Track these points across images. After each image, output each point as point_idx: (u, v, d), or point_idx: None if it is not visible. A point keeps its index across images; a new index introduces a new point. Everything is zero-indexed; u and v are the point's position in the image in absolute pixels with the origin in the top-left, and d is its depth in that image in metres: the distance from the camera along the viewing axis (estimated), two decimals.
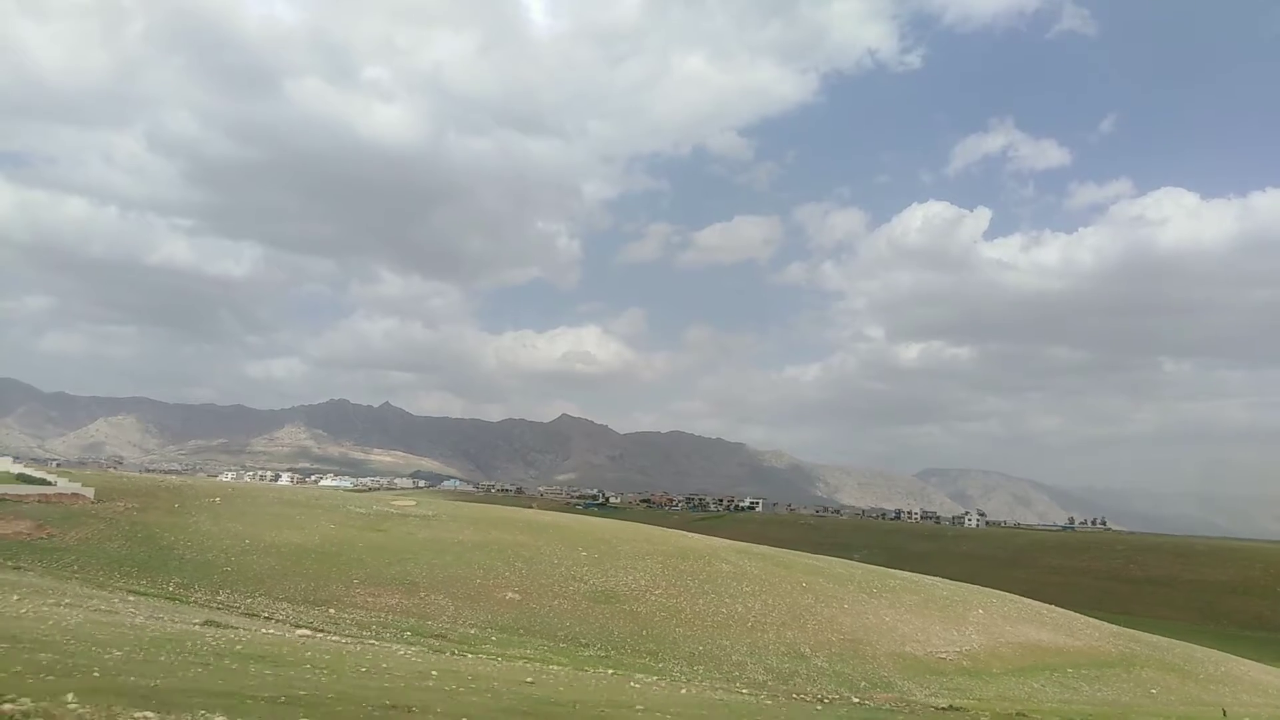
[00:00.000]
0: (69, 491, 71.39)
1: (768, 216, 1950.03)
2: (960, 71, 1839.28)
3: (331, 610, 54.27)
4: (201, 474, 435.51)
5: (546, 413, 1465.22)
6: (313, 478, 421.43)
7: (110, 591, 46.50)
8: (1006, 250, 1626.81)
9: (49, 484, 76.58)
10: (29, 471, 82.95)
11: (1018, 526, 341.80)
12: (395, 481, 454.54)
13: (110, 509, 70.33)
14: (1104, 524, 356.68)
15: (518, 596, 62.97)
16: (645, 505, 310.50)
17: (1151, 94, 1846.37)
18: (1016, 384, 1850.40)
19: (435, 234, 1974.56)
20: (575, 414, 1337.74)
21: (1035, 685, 65.73)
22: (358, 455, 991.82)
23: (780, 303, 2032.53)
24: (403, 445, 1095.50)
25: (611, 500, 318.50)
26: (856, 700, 42.58)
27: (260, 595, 54.62)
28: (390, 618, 54.80)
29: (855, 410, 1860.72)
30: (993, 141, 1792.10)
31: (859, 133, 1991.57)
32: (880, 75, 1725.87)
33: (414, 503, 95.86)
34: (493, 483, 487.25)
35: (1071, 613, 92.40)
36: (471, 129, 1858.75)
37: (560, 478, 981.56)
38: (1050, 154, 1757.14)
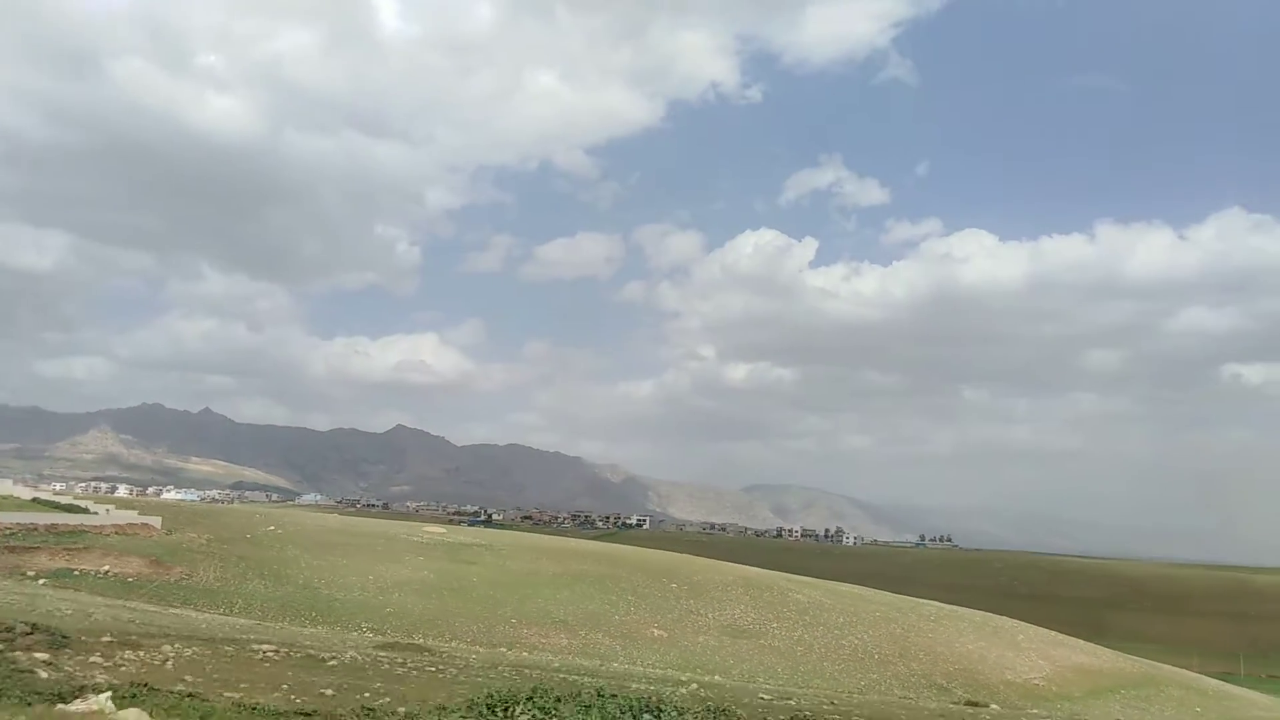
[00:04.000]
0: (139, 521, 64.87)
1: (610, 235, 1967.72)
2: (796, 109, 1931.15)
3: (525, 653, 52.51)
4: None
5: (379, 423, 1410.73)
6: (151, 489, 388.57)
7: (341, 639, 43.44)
8: (829, 279, 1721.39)
9: (84, 510, 69.12)
10: (44, 496, 74.48)
11: (875, 543, 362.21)
12: (246, 495, 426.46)
13: (192, 541, 64.52)
14: (949, 540, 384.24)
15: (664, 634, 62.76)
16: (528, 522, 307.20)
17: (961, 142, 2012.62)
18: (833, 404, 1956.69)
19: (266, 233, 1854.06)
20: (410, 425, 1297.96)
21: (1114, 707, 71.82)
22: (173, 463, 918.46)
23: (618, 319, 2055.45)
24: (223, 454, 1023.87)
25: (495, 517, 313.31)
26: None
27: (449, 638, 52.10)
28: (577, 660, 53.65)
29: (686, 426, 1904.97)
30: (822, 177, 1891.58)
31: (700, 160, 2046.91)
32: (722, 107, 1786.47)
33: (443, 530, 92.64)
34: (358, 498, 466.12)
35: (1070, 637, 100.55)
36: (312, 127, 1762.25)
37: (395, 489, 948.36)
38: (872, 192, 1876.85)
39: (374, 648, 33.14)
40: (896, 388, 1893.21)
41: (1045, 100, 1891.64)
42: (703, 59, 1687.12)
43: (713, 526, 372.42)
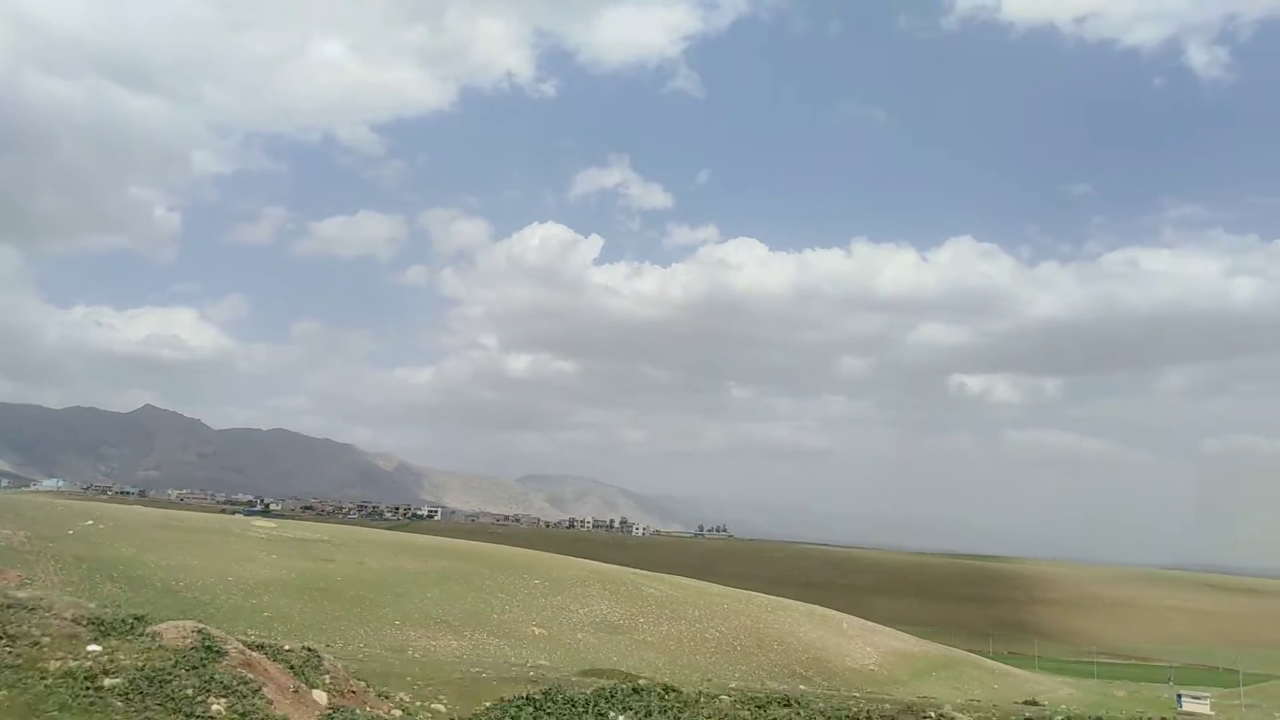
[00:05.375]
0: None
1: (393, 216, 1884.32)
2: (588, 108, 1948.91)
3: (419, 656, 50.63)
4: None
5: (123, 402, 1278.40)
6: None
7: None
8: (612, 276, 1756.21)
9: None
10: None
11: (658, 533, 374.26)
12: None
13: (9, 538, 56.65)
14: (724, 530, 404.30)
15: (544, 631, 62.44)
16: (310, 512, 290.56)
17: (740, 155, 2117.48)
18: (611, 398, 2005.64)
19: None
20: (160, 405, 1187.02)
21: (935, 686, 79.03)
22: None
23: (398, 303, 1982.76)
24: None
25: (272, 507, 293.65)
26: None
27: (340, 643, 49.20)
28: (482, 661, 52.42)
29: (464, 415, 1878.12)
30: (610, 176, 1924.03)
31: (491, 148, 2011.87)
32: (517, 98, 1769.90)
33: (274, 525, 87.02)
34: (108, 484, 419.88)
35: (877, 624, 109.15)
36: (56, 70, 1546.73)
37: (141, 474, 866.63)
38: (656, 196, 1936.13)
39: (579, 674, 31.48)
40: (671, 384, 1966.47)
41: (815, 122, 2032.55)
42: (499, 48, 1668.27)
43: (506, 518, 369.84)
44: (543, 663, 54.70)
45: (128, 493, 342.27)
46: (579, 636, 63.09)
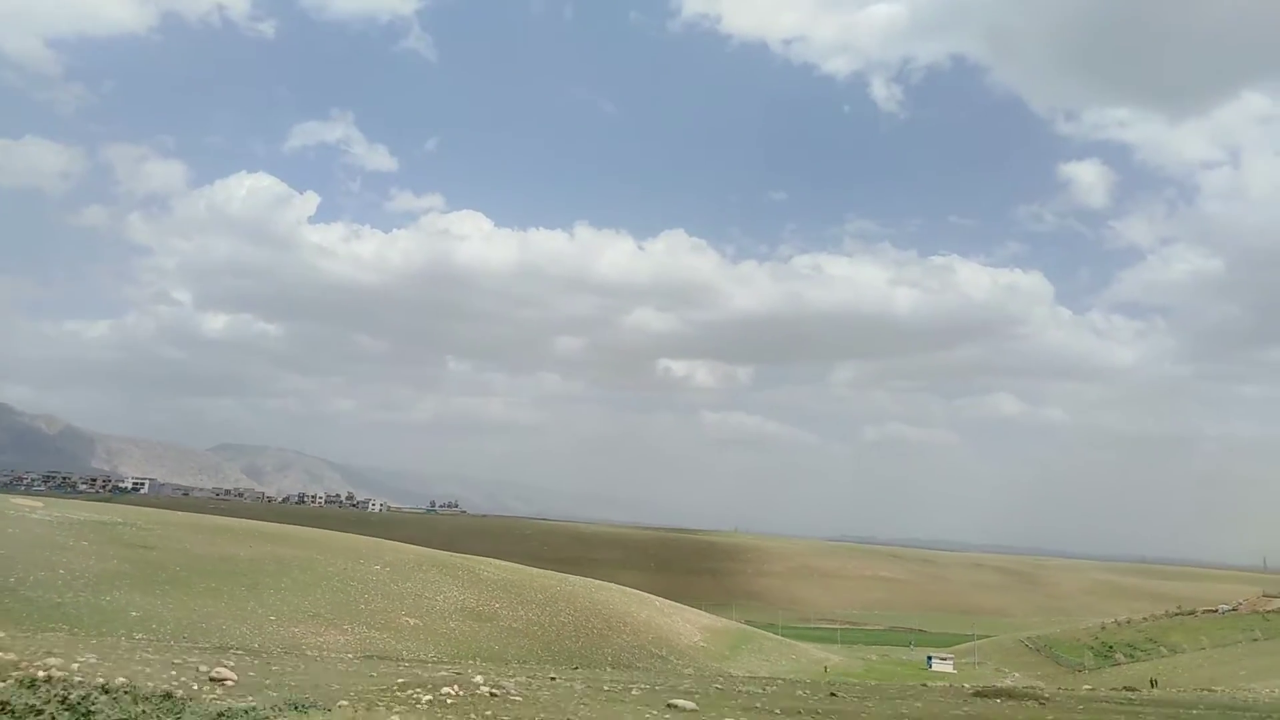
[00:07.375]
0: None
1: (69, 146, 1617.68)
2: (311, 56, 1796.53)
3: (314, 655, 46.80)
4: None
5: None
6: None
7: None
8: (328, 237, 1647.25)
9: None
10: None
11: (388, 509, 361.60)
12: None
13: None
14: (456, 506, 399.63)
15: (417, 622, 59.71)
16: None
17: (471, 126, 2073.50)
18: (320, 365, 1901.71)
19: None
20: None
21: (750, 659, 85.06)
22: None
23: (71, 247, 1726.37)
24: None
25: None
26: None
27: (232, 642, 44.19)
28: (373, 657, 49.36)
29: (148, 376, 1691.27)
30: (331, 131, 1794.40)
31: (195, 85, 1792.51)
32: (228, 34, 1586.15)
33: (40, 503, 75.47)
34: None
35: (676, 603, 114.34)
36: None
37: None
38: (381, 158, 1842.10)
39: (972, 695, 28.98)
40: (386, 354, 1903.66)
41: (546, 104, 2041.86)
42: None
43: (227, 492, 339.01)
44: (430, 655, 52.39)
45: None
46: (451, 625, 60.95)
